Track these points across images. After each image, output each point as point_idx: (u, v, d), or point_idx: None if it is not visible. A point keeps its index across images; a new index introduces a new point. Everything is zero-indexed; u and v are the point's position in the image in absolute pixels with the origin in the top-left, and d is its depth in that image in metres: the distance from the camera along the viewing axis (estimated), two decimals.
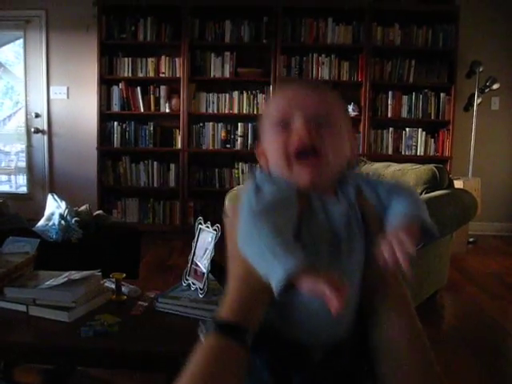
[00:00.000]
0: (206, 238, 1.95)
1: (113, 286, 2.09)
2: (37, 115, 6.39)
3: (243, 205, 0.94)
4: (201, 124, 6.16)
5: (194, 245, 2.00)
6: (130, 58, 6.10)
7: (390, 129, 6.11)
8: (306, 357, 0.97)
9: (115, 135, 6.18)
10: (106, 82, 6.11)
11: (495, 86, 5.85)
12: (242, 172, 6.15)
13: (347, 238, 0.95)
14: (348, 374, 1.00)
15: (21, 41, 6.40)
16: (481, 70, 5.77)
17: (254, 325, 0.91)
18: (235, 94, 6.09)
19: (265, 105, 1.22)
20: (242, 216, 0.92)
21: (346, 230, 0.95)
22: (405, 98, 6.07)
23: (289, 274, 0.79)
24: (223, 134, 6.15)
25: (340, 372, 1.00)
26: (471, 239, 5.69)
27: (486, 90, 5.87)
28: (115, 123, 6.17)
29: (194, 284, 1.95)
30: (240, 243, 0.91)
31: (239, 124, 6.12)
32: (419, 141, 6.09)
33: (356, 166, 1.07)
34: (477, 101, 5.87)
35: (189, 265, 2.00)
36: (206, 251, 1.93)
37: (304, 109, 0.97)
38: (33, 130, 6.40)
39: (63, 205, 3.41)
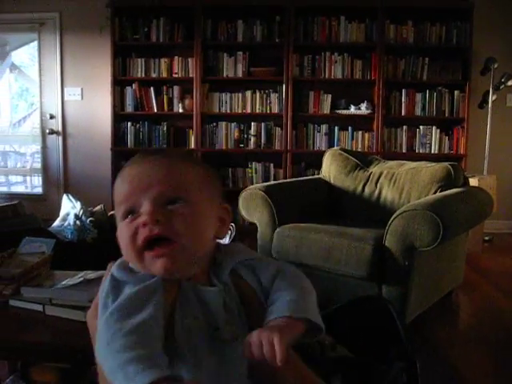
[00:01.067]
0: None
1: None
2: (51, 116, 6.44)
3: (100, 305, 0.85)
4: (214, 124, 6.17)
5: None
6: (143, 59, 6.12)
7: (404, 127, 6.07)
8: None
9: (129, 136, 6.21)
10: (119, 82, 6.14)
11: (510, 83, 5.79)
12: (256, 171, 6.14)
13: (227, 324, 0.85)
14: None
15: (35, 43, 6.45)
16: (495, 66, 5.72)
17: None
18: (248, 93, 6.09)
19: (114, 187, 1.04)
20: (100, 320, 0.82)
21: (224, 317, 0.85)
22: (418, 96, 6.04)
23: None
24: (236, 133, 6.16)
25: None
26: (487, 237, 5.65)
27: (501, 87, 5.82)
28: (129, 124, 6.20)
29: None
30: (97, 354, 0.80)
31: (252, 123, 6.12)
32: (433, 139, 6.05)
33: (231, 242, 0.96)
34: (491, 98, 5.82)
35: None
36: None
37: (149, 190, 0.85)
38: (47, 131, 6.44)
39: (78, 205, 3.43)
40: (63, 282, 1.95)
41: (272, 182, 4.67)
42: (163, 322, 0.81)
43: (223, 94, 6.14)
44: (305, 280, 0.94)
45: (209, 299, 0.85)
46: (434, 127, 6.06)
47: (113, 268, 0.90)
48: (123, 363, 0.73)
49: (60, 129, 6.45)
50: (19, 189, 7.07)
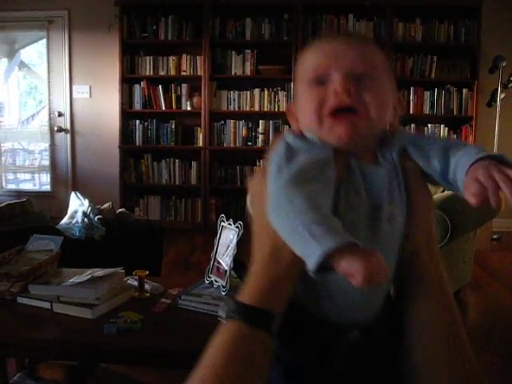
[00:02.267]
0: (228, 236, 1.96)
1: (136, 284, 2.10)
2: (60, 114, 6.45)
3: (272, 169, 0.84)
4: (222, 122, 6.18)
5: (216, 242, 2.01)
6: (151, 57, 6.13)
7: (412, 125, 6.05)
8: (340, 338, 0.88)
9: (137, 133, 6.22)
10: (127, 80, 6.15)
11: None
12: None
13: (387, 205, 0.86)
14: (385, 357, 0.91)
15: (44, 41, 6.47)
16: (504, 64, 5.69)
17: (280, 309, 0.82)
18: (256, 91, 6.09)
19: (299, 60, 1.04)
20: (272, 183, 0.82)
21: (386, 197, 0.86)
22: (427, 94, 6.02)
23: (327, 254, 0.70)
24: (244, 131, 6.16)
25: (377, 355, 0.91)
26: (495, 236, 5.63)
27: (510, 85, 5.79)
28: (137, 121, 6.21)
29: (216, 281, 1.95)
30: (270, 215, 0.80)
31: (260, 121, 6.12)
32: (442, 137, 6.03)
33: (400, 126, 0.94)
34: (500, 96, 5.79)
35: (211, 262, 2.01)
36: (228, 248, 1.93)
37: (343, 63, 0.86)
38: (56, 128, 6.47)
39: (86, 203, 3.44)
40: (71, 280, 1.95)
41: None
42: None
43: (231, 92, 6.14)
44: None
45: (375, 178, 0.87)
46: (442, 125, 6.04)
47: (287, 136, 0.90)
48: (309, 222, 0.73)
49: (68, 126, 6.47)
50: (27, 186, 7.10)
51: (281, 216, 0.78)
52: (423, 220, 0.89)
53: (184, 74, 6.14)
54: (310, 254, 0.71)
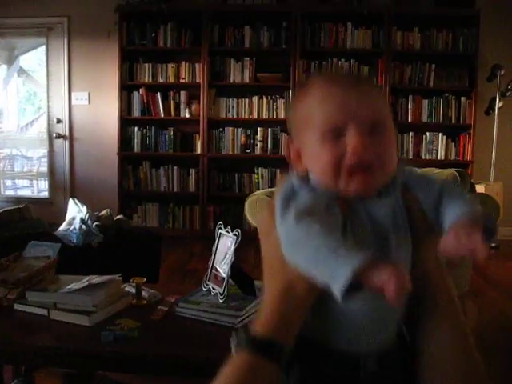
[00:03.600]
0: (226, 243, 1.95)
1: (133, 291, 2.09)
2: (58, 121, 6.46)
3: (279, 208, 0.86)
4: (220, 129, 6.18)
5: (214, 249, 2.01)
6: (150, 64, 6.14)
7: (411, 133, 6.07)
8: (356, 369, 0.89)
9: (136, 140, 6.22)
10: (126, 87, 6.16)
11: None
12: (262, 177, 6.14)
13: (394, 235, 0.87)
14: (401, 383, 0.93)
15: (43, 47, 6.48)
16: (502, 73, 5.71)
17: (290, 342, 0.84)
18: (255, 99, 6.10)
19: (301, 97, 0.98)
20: (281, 223, 0.84)
21: (392, 228, 0.87)
22: (425, 102, 6.03)
23: (357, 271, 0.71)
24: (243, 139, 6.16)
25: (394, 382, 0.92)
26: (494, 244, 5.62)
27: (508, 94, 5.81)
28: (136, 128, 6.21)
29: (214, 289, 1.95)
30: (288, 253, 0.82)
31: (259, 129, 6.13)
32: (440, 145, 6.04)
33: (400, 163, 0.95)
34: (498, 104, 5.81)
35: (209, 269, 2.00)
36: (225, 256, 1.93)
37: (359, 117, 0.86)
38: (54, 135, 6.47)
39: (84, 209, 3.44)
40: (68, 287, 1.95)
41: None
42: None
43: (230, 100, 6.15)
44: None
45: (379, 210, 0.88)
46: (440, 134, 6.05)
47: (292, 177, 0.90)
48: (333, 246, 0.75)
49: (67, 133, 6.47)
50: (26, 192, 7.08)
51: (301, 250, 0.80)
52: (429, 246, 0.90)
53: (183, 81, 6.15)
54: (339, 276, 0.72)
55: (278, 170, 6.10)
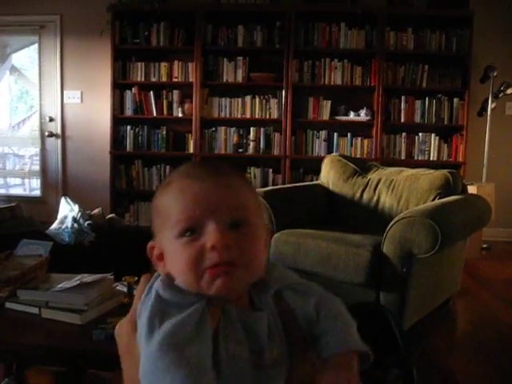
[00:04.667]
0: None
1: (125, 289, 2.09)
2: (51, 119, 6.44)
3: (143, 327, 0.78)
4: (213, 128, 6.18)
5: None
6: (143, 63, 6.12)
7: (403, 134, 6.08)
8: None
9: (128, 139, 6.21)
10: (119, 86, 6.14)
11: (509, 91, 5.81)
12: (254, 177, 6.14)
13: (269, 349, 0.81)
14: None
15: (35, 46, 6.46)
16: (495, 74, 5.73)
17: None
18: (247, 98, 6.10)
19: (160, 193, 0.90)
20: (143, 345, 0.77)
21: (267, 342, 0.82)
22: (418, 103, 6.05)
23: None
24: (235, 138, 6.16)
25: None
26: (485, 245, 5.65)
27: (500, 95, 5.84)
28: (128, 127, 6.20)
29: None
30: (143, 380, 0.75)
31: (251, 129, 6.12)
32: (432, 146, 6.06)
33: (271, 267, 0.89)
34: (491, 106, 5.83)
35: None
36: None
37: (217, 211, 0.80)
38: (47, 133, 6.45)
39: (76, 208, 3.43)
40: (60, 285, 1.94)
41: (270, 188, 4.67)
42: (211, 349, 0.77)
43: (223, 99, 6.14)
44: (344, 307, 0.93)
45: (254, 324, 0.82)
46: (433, 134, 6.06)
47: (158, 286, 0.83)
48: None
49: (59, 131, 6.45)
50: (17, 191, 7.07)
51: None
52: (300, 361, 0.85)
53: (176, 80, 6.14)
54: None
55: (270, 170, 6.11)
